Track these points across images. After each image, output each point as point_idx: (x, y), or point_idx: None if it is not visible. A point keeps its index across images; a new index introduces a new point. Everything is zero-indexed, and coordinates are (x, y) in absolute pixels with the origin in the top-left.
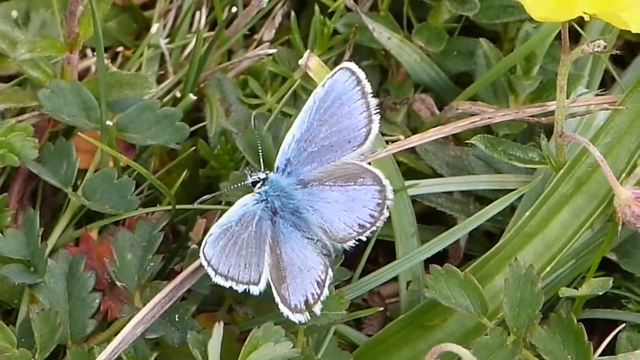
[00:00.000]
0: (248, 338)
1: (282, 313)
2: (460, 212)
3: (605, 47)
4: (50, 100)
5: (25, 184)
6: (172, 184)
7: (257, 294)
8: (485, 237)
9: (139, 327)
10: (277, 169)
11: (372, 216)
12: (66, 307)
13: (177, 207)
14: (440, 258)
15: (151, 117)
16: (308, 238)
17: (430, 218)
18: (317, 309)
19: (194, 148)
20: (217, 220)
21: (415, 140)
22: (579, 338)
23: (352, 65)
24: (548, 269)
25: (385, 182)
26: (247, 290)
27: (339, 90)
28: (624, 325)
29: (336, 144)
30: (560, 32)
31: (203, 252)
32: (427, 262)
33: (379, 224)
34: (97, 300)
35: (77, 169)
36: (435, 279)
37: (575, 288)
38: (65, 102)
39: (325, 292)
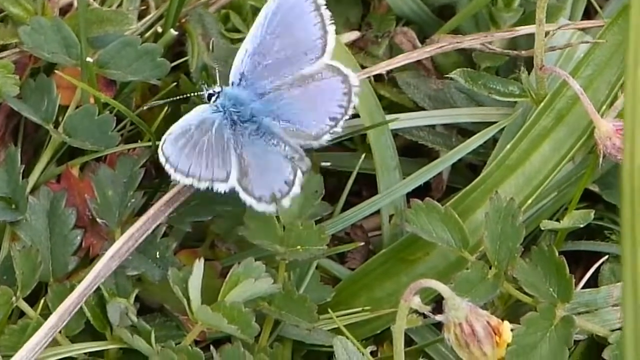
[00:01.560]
0: (229, 274)
1: (249, 206)
2: (442, 145)
3: None
4: (30, 37)
5: (6, 121)
6: (154, 119)
7: (224, 191)
8: (469, 170)
9: (114, 260)
10: (232, 84)
11: (341, 106)
12: (47, 245)
13: (158, 142)
14: (423, 191)
15: (132, 53)
16: (273, 145)
17: (413, 151)
18: (285, 202)
19: (175, 83)
20: None
21: (384, 65)
22: (561, 270)
23: None
24: (529, 201)
25: (346, 70)
26: (209, 188)
27: (291, 3)
28: (607, 257)
29: (292, 56)
30: None
31: (162, 149)
32: (410, 195)
33: (349, 112)
34: (79, 237)
35: (58, 105)
36: (416, 213)
37: (558, 220)
38: (45, 38)
39: (296, 190)
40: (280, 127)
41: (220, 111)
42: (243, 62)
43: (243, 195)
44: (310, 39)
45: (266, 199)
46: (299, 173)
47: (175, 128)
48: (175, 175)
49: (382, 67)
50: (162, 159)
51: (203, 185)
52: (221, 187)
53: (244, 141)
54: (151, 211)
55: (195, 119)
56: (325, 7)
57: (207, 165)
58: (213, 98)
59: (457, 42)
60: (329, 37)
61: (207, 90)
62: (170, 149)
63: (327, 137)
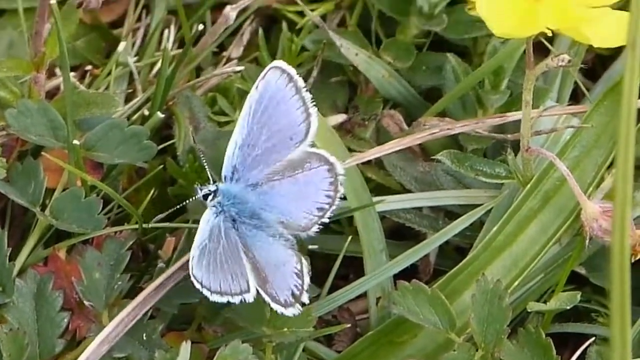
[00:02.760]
0: (215, 356)
1: (276, 312)
2: (429, 227)
3: (570, 61)
4: (17, 119)
5: None
6: (141, 202)
7: (252, 300)
8: (456, 252)
9: (103, 345)
10: (224, 178)
11: (328, 196)
12: (35, 327)
13: (145, 225)
14: (410, 274)
15: (118, 135)
16: (271, 236)
17: (400, 234)
18: (305, 298)
19: (162, 166)
20: (184, 239)
21: (375, 151)
22: (548, 352)
23: (281, 63)
24: (516, 283)
25: (332, 159)
26: (242, 300)
27: (273, 90)
28: (594, 339)
29: (279, 143)
30: None
31: (193, 275)
32: (397, 277)
33: (337, 202)
34: (66, 320)
35: (45, 188)
36: (403, 295)
37: (545, 302)
38: (32, 121)
39: (307, 280)
40: (275, 219)
41: (221, 210)
42: (234, 155)
43: (274, 306)
44: (295, 123)
45: (290, 300)
46: (304, 261)
47: (194, 250)
48: (213, 298)
49: (372, 154)
50: (197, 286)
51: (237, 300)
52: (249, 298)
53: (249, 240)
54: (141, 296)
55: (206, 232)
56: (305, 89)
57: (232, 277)
58: (210, 197)
59: (448, 129)
60: (312, 120)
61: (202, 190)
62: (199, 272)
63: (315, 229)
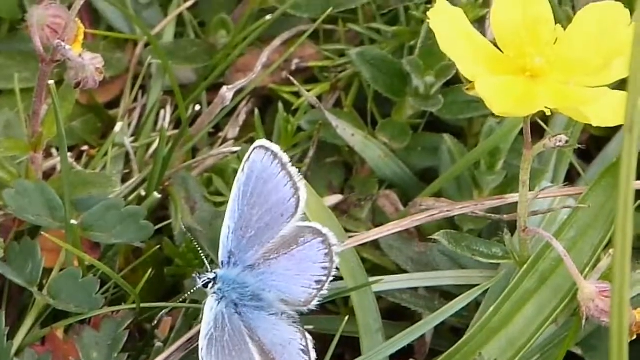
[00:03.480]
0: None
1: None
2: (425, 307)
3: (567, 141)
4: (14, 200)
5: None
6: (138, 282)
7: None
8: (451, 333)
9: None
10: (222, 264)
11: (324, 268)
12: None
13: (142, 305)
14: (405, 354)
15: (116, 215)
16: (274, 314)
17: (396, 314)
18: None
19: (159, 246)
20: (182, 318)
21: (374, 234)
22: None
23: (265, 142)
24: None
25: (324, 230)
26: None
27: (259, 170)
28: None
29: (271, 221)
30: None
31: None
32: (393, 358)
33: (333, 272)
34: None
35: (43, 268)
36: None
37: None
38: (29, 201)
39: (313, 356)
40: (276, 298)
41: (222, 297)
42: (229, 240)
43: None
44: (285, 199)
45: None
46: (308, 336)
47: (202, 340)
48: None
49: (371, 235)
50: None
51: None
52: None
53: (252, 323)
54: None
55: (211, 321)
56: (290, 164)
57: None
58: (210, 285)
59: (447, 211)
60: (300, 194)
61: (200, 279)
62: None
63: (315, 303)
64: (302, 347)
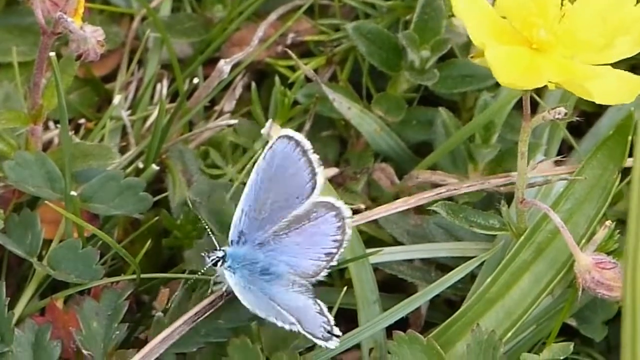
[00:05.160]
0: None
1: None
2: (421, 279)
3: (565, 114)
4: (15, 171)
5: None
6: (136, 254)
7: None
8: (446, 305)
9: None
10: (231, 242)
11: (335, 240)
12: None
13: (142, 276)
14: (401, 325)
15: (115, 187)
16: (286, 286)
17: (392, 286)
18: (337, 331)
19: (157, 218)
20: (180, 290)
21: (382, 211)
22: None
23: (289, 131)
24: (509, 334)
25: (338, 203)
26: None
27: (280, 158)
28: None
29: (285, 203)
30: (518, 101)
31: None
32: (389, 329)
33: (345, 244)
34: None
35: (42, 239)
36: (399, 345)
37: (537, 353)
38: (30, 173)
39: (330, 317)
40: (285, 271)
41: (234, 272)
42: (241, 221)
43: (316, 341)
44: (302, 184)
45: (326, 335)
46: (319, 302)
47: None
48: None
49: (379, 212)
50: None
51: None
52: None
53: (268, 291)
54: (147, 348)
55: (238, 286)
56: (312, 150)
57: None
58: (219, 263)
59: (455, 190)
60: (318, 178)
61: (210, 257)
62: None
63: (324, 274)
64: (318, 310)
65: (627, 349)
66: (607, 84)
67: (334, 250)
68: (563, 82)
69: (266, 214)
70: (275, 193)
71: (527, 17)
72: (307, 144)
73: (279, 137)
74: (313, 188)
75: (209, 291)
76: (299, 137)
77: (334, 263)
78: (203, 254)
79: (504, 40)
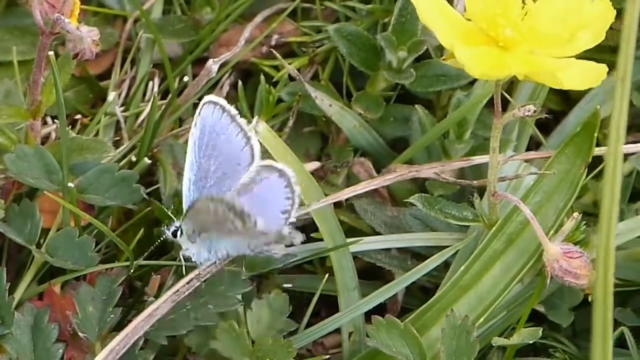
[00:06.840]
0: None
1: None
2: (398, 267)
3: (535, 111)
4: (15, 164)
5: None
6: (129, 242)
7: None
8: (421, 292)
9: None
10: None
11: (288, 198)
12: (32, 357)
13: (135, 263)
14: (379, 311)
15: (109, 179)
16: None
17: (371, 273)
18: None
19: (149, 209)
20: (172, 275)
21: (347, 192)
22: None
23: (213, 97)
24: (481, 320)
25: (279, 165)
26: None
27: (210, 123)
28: None
29: (229, 170)
30: (490, 99)
31: None
32: (368, 314)
33: (297, 200)
34: (61, 351)
35: (41, 228)
36: (377, 329)
37: (507, 338)
38: (29, 165)
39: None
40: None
41: (194, 241)
42: (190, 191)
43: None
44: (238, 149)
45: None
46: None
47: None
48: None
49: (345, 194)
50: None
51: None
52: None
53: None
54: (132, 325)
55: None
56: (238, 116)
57: None
58: (178, 233)
59: (416, 171)
60: (253, 142)
61: (169, 229)
62: None
63: (286, 230)
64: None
65: (599, 338)
66: (571, 74)
67: (289, 207)
68: (530, 75)
69: (212, 181)
70: (215, 159)
71: (492, 18)
72: (233, 110)
73: (205, 103)
74: (252, 153)
75: (183, 270)
76: (223, 102)
77: (293, 219)
78: (162, 228)
79: (471, 41)
